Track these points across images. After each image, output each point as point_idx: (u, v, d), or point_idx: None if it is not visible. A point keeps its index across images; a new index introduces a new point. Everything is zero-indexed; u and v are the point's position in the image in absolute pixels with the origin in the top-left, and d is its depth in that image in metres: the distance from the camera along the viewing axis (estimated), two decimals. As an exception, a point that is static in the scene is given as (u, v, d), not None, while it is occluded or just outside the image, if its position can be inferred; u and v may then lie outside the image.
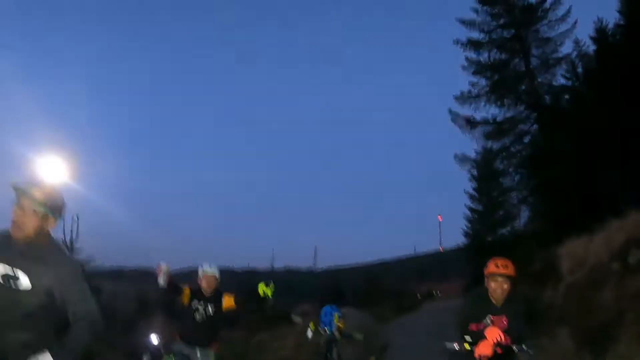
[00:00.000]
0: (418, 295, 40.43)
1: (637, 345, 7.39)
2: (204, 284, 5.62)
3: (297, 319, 6.61)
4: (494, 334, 3.98)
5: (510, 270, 4.27)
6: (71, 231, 6.15)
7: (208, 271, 5.64)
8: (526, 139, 24.81)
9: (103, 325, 2.75)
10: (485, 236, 31.38)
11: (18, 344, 2.51)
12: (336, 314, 6.29)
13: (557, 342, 9.85)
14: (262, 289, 5.67)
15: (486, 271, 4.36)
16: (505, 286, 4.25)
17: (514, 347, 4.05)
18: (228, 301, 5.65)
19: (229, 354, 5.55)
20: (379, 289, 35.42)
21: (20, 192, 2.61)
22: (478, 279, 4.65)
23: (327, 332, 6.29)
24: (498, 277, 4.26)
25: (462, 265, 35.36)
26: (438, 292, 44.90)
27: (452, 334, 4.36)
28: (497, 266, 4.29)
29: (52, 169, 2.73)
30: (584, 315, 10.00)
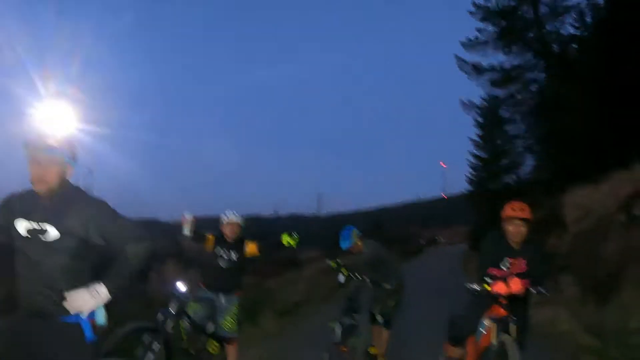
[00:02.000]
0: (421, 241, 40.91)
1: (638, 295, 7.67)
2: (227, 231, 5.74)
3: (329, 262, 6.66)
4: (517, 287, 4.14)
5: (527, 213, 4.40)
6: (84, 185, 6.22)
7: (232, 219, 5.74)
8: (533, 88, 24.60)
9: (152, 243, 2.79)
10: (489, 184, 31.50)
11: (55, 295, 2.56)
12: (355, 231, 6.39)
13: (561, 290, 10.21)
14: (287, 239, 5.89)
15: (503, 215, 4.50)
16: (523, 229, 4.39)
17: (531, 289, 4.21)
18: (251, 248, 5.81)
19: (242, 300, 5.80)
20: (383, 235, 35.86)
21: (33, 148, 2.60)
22: (481, 226, 4.83)
23: (345, 247, 6.28)
24: (515, 220, 4.39)
25: (466, 212, 35.68)
26: (441, 238, 45.37)
27: (457, 275, 4.53)
28: (514, 209, 4.42)
29: (60, 117, 2.67)
30: (588, 265, 10.28)
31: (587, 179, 13.29)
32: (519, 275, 4.37)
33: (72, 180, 2.79)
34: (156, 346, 4.75)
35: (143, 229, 2.81)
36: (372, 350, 6.44)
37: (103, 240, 2.65)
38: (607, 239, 10.40)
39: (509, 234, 4.49)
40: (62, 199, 2.66)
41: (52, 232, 2.55)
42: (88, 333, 2.62)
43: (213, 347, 5.76)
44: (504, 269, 4.51)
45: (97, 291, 2.57)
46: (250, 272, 6.89)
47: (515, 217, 4.42)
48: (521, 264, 4.48)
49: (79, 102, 3.22)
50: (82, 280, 2.61)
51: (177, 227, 5.60)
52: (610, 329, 7.13)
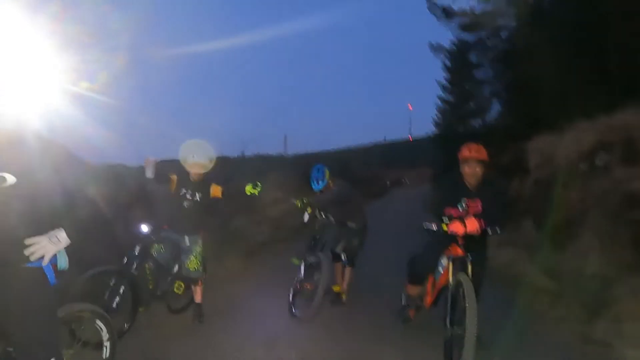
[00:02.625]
0: (387, 182, 41.39)
1: (595, 241, 8.12)
2: (192, 172, 5.72)
3: (295, 201, 6.80)
4: (473, 226, 4.40)
5: (482, 154, 4.65)
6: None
7: (196, 159, 5.69)
8: (503, 34, 24.60)
9: (111, 187, 2.81)
10: (455, 127, 31.79)
11: (15, 242, 2.53)
12: (327, 170, 6.54)
13: (522, 233, 10.69)
14: (250, 190, 5.93)
15: (460, 156, 4.74)
16: (478, 170, 4.65)
17: (488, 229, 4.47)
18: (215, 190, 5.82)
19: (208, 241, 5.90)
20: (349, 175, 36.04)
21: None
22: (447, 168, 5.05)
23: (318, 188, 6.43)
24: (471, 162, 4.65)
25: (432, 155, 36.16)
26: (407, 179, 45.94)
27: (422, 217, 4.77)
28: (469, 151, 4.68)
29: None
30: (549, 210, 10.75)
31: (551, 128, 13.62)
32: (475, 215, 4.60)
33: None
34: (122, 288, 4.87)
35: (103, 173, 2.82)
36: (336, 288, 6.73)
37: (61, 184, 2.63)
38: (568, 187, 10.84)
39: (465, 175, 4.72)
40: (17, 143, 2.58)
41: (9, 179, 2.50)
42: (51, 278, 2.66)
43: (178, 287, 5.89)
44: (461, 209, 4.74)
45: (57, 237, 2.60)
46: (215, 213, 6.93)
47: (471, 158, 4.65)
48: (477, 205, 4.70)
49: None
50: (42, 226, 2.62)
51: (141, 170, 5.56)
52: (567, 273, 7.55)
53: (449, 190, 4.98)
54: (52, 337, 2.76)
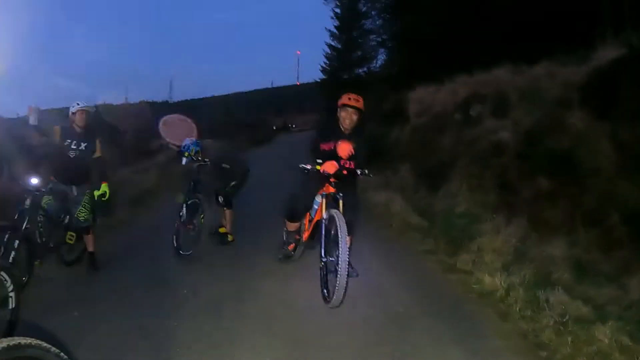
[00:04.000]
0: (274, 127, 41.35)
1: (464, 184, 8.83)
2: (77, 121, 5.60)
3: (174, 146, 6.80)
4: (344, 150, 4.68)
5: (360, 104, 4.91)
6: None
7: (79, 107, 5.58)
8: (392, -15, 25.12)
9: None
10: (341, 74, 32.35)
11: None
12: (193, 148, 6.61)
13: (399, 176, 11.30)
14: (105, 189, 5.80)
15: (339, 102, 5.00)
16: (354, 117, 4.93)
17: (358, 171, 4.87)
18: (99, 149, 5.74)
19: (93, 190, 5.77)
20: (235, 121, 35.61)
21: None
22: (332, 113, 5.29)
23: (193, 158, 6.51)
24: (348, 108, 4.91)
25: (318, 100, 36.56)
26: (293, 125, 46.14)
27: (305, 160, 5.04)
28: (349, 99, 4.92)
29: None
30: (425, 156, 11.45)
31: (431, 79, 14.33)
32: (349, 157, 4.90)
33: None
34: (16, 243, 4.69)
35: None
36: (221, 230, 6.84)
37: None
38: (443, 134, 11.57)
39: (341, 120, 4.97)
40: None
41: None
42: None
43: (70, 237, 5.77)
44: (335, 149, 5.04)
45: None
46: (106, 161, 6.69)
47: (349, 105, 4.89)
48: (349, 145, 5.00)
49: None
50: None
51: (20, 121, 5.29)
52: (438, 212, 8.19)
53: (325, 130, 5.26)
54: None
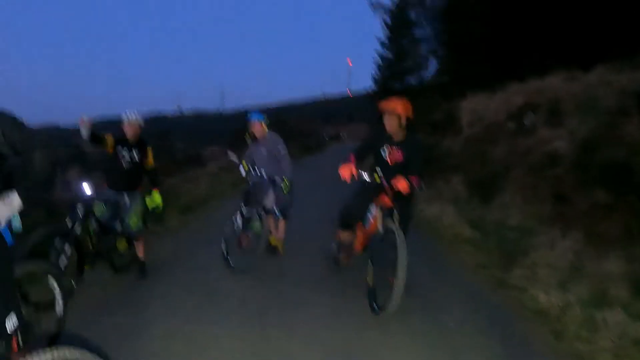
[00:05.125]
0: (325, 136, 41.67)
1: (518, 196, 8.67)
2: (128, 131, 5.78)
3: (232, 156, 6.92)
4: (404, 187, 4.61)
5: (399, 109, 4.92)
6: None
7: (132, 119, 5.77)
8: (443, -8, 24.92)
9: (53, 154, 2.89)
10: (392, 83, 32.23)
11: None
12: (265, 117, 6.79)
13: (451, 187, 11.19)
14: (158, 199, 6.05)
15: (381, 109, 5.04)
16: (394, 122, 4.93)
17: (416, 187, 4.72)
18: (150, 160, 5.93)
19: (144, 197, 5.93)
20: (287, 130, 36.00)
21: None
22: (381, 123, 5.30)
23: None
24: (387, 114, 4.95)
25: (369, 110, 36.55)
26: (344, 134, 46.30)
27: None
28: (388, 104, 4.98)
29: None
30: (477, 166, 11.30)
31: (484, 88, 14.16)
32: (397, 164, 4.95)
33: None
34: (67, 248, 4.87)
35: (45, 136, 2.82)
36: (272, 241, 6.93)
37: (11, 149, 2.64)
38: (496, 144, 11.41)
39: (386, 126, 5.01)
40: None
41: None
42: (8, 239, 2.71)
43: (121, 245, 5.96)
44: (383, 154, 5.07)
45: (11, 199, 2.63)
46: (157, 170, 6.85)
47: (387, 110, 4.95)
48: (399, 153, 5.02)
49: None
50: None
51: (77, 132, 5.49)
52: (491, 225, 8.07)
53: (374, 138, 5.29)
54: (12, 294, 2.80)
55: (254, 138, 6.77)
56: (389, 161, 4.94)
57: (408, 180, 4.65)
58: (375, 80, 34.97)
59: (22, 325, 2.78)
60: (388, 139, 5.03)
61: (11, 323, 2.70)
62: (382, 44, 33.11)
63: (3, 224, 2.64)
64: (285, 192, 6.53)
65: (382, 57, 33.64)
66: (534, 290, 5.21)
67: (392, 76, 32.70)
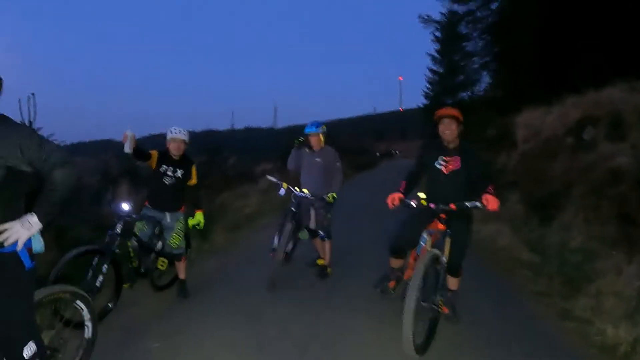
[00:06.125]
0: (377, 153, 41.49)
1: (579, 216, 8.22)
2: (172, 148, 5.65)
3: (272, 177, 6.88)
4: (493, 205, 4.26)
5: (454, 112, 4.74)
6: (28, 111, 5.94)
7: (176, 135, 5.62)
8: (493, 5, 24.50)
9: (76, 172, 2.70)
10: (444, 98, 31.77)
11: None
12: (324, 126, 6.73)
13: (507, 206, 10.78)
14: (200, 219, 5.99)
15: (435, 117, 4.86)
16: (453, 127, 4.72)
17: (467, 204, 4.43)
18: (194, 177, 5.83)
19: (193, 214, 5.88)
20: (339, 147, 35.90)
21: None
22: (434, 139, 5.10)
23: (311, 129, 6.58)
24: (445, 119, 4.74)
25: (421, 126, 36.21)
26: (397, 151, 46.01)
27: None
28: (445, 109, 4.83)
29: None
30: (535, 184, 10.83)
31: (539, 101, 13.68)
32: (453, 173, 4.74)
33: (13, 113, 2.63)
34: (105, 267, 4.87)
35: (68, 153, 2.71)
36: (320, 262, 6.82)
37: (31, 167, 2.59)
38: (554, 160, 10.93)
39: (441, 134, 4.81)
40: None
41: None
42: (26, 262, 2.66)
43: (161, 264, 5.90)
44: (439, 166, 4.86)
45: (29, 222, 2.58)
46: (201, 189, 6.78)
47: (444, 115, 4.75)
48: (456, 161, 4.79)
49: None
50: (15, 211, 2.60)
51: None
52: (550, 247, 7.62)
53: (428, 151, 5.10)
54: (30, 320, 2.77)
55: (310, 148, 6.71)
56: (444, 170, 4.76)
57: (492, 195, 4.35)
58: (427, 96, 34.67)
59: (41, 354, 2.75)
60: (442, 150, 4.86)
61: (29, 350, 2.67)
62: (433, 58, 32.86)
63: (20, 246, 2.59)
64: (330, 200, 6.39)
65: (433, 72, 33.39)
66: (600, 322, 4.80)
67: (443, 91, 32.33)
